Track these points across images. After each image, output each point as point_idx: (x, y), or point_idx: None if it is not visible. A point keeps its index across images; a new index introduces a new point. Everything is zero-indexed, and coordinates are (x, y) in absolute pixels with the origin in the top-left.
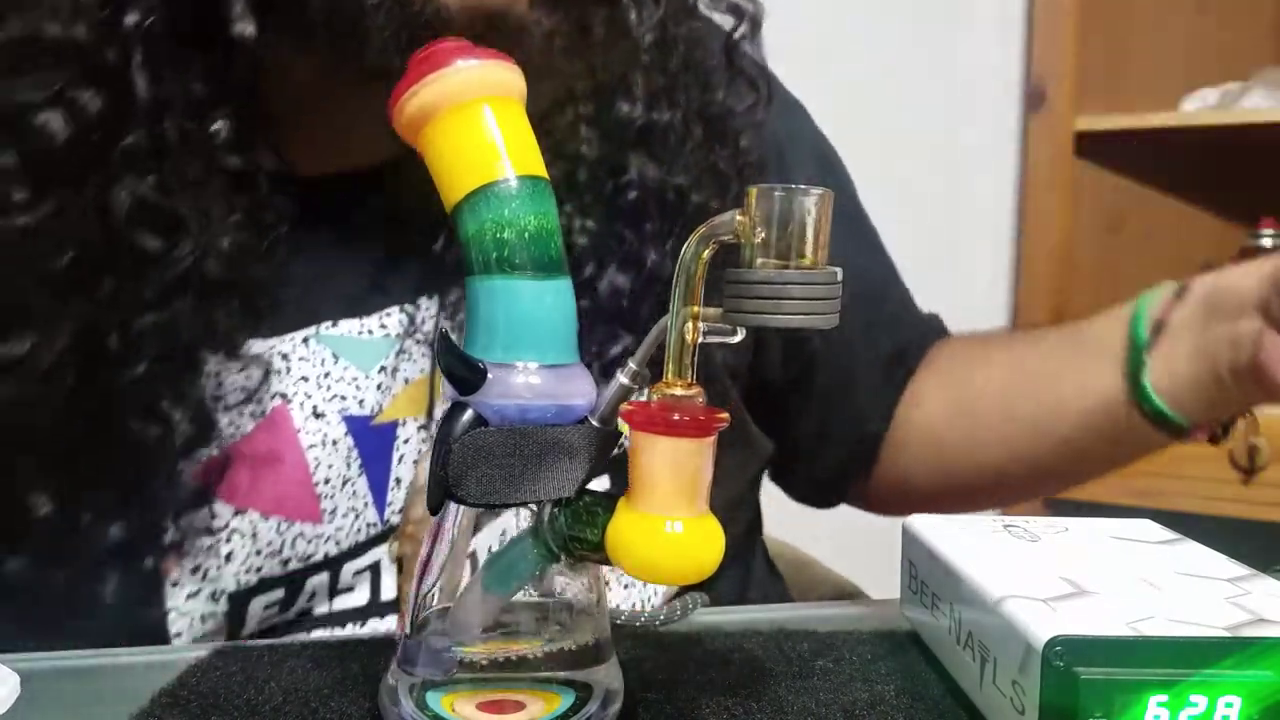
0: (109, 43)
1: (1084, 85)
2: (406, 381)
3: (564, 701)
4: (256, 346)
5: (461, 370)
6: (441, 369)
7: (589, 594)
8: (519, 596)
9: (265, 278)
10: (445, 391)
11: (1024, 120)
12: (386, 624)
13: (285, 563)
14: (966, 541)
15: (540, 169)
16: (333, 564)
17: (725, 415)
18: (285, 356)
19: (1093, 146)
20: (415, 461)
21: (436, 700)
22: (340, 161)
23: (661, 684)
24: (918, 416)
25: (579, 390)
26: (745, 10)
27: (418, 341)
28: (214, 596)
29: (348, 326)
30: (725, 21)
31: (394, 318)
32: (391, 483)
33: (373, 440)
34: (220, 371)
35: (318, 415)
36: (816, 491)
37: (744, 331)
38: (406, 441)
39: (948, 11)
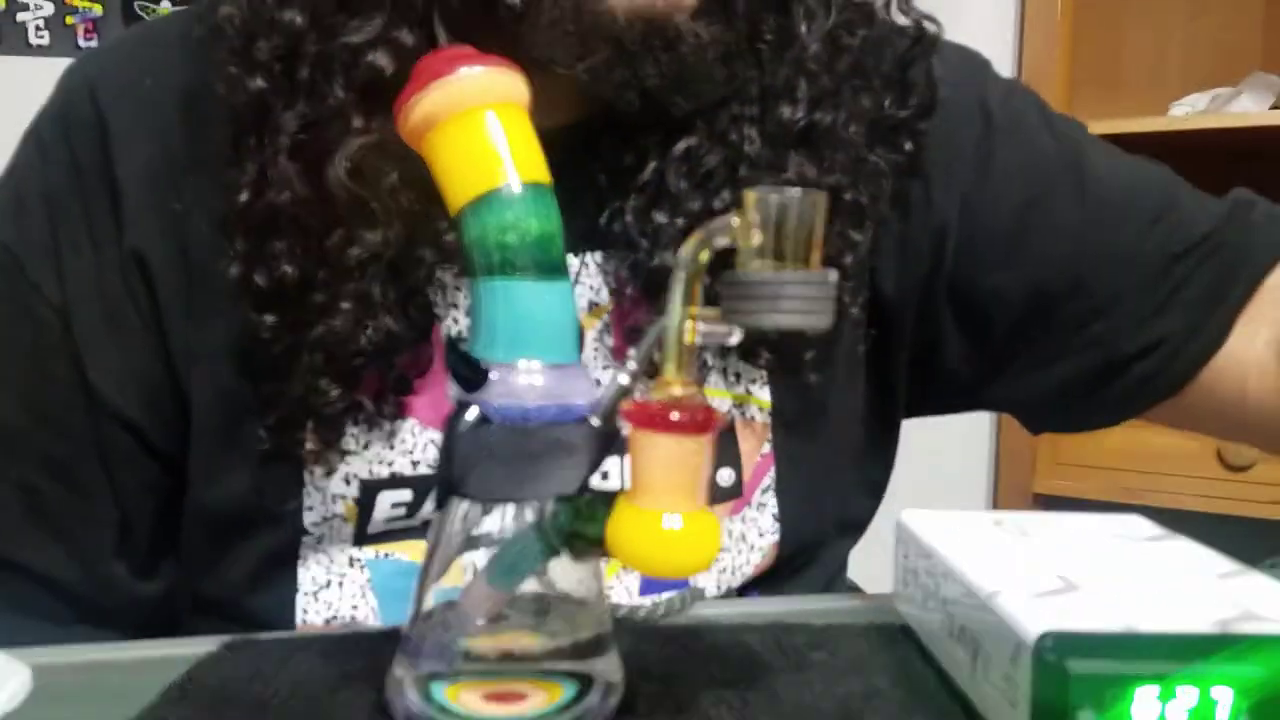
0: None
1: (1075, 90)
2: None
3: (566, 692)
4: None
5: (465, 370)
6: (447, 368)
7: (590, 588)
8: (521, 590)
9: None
10: (450, 391)
11: None
12: None
13: (415, 464)
14: (959, 537)
15: (543, 174)
16: None
17: (724, 414)
18: (445, 284)
19: None
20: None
21: (441, 691)
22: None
23: (661, 676)
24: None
25: (580, 390)
26: (927, 31)
27: (575, 287)
28: (347, 479)
29: None
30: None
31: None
32: None
33: None
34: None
35: (462, 339)
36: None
37: (741, 332)
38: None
39: (940, 16)
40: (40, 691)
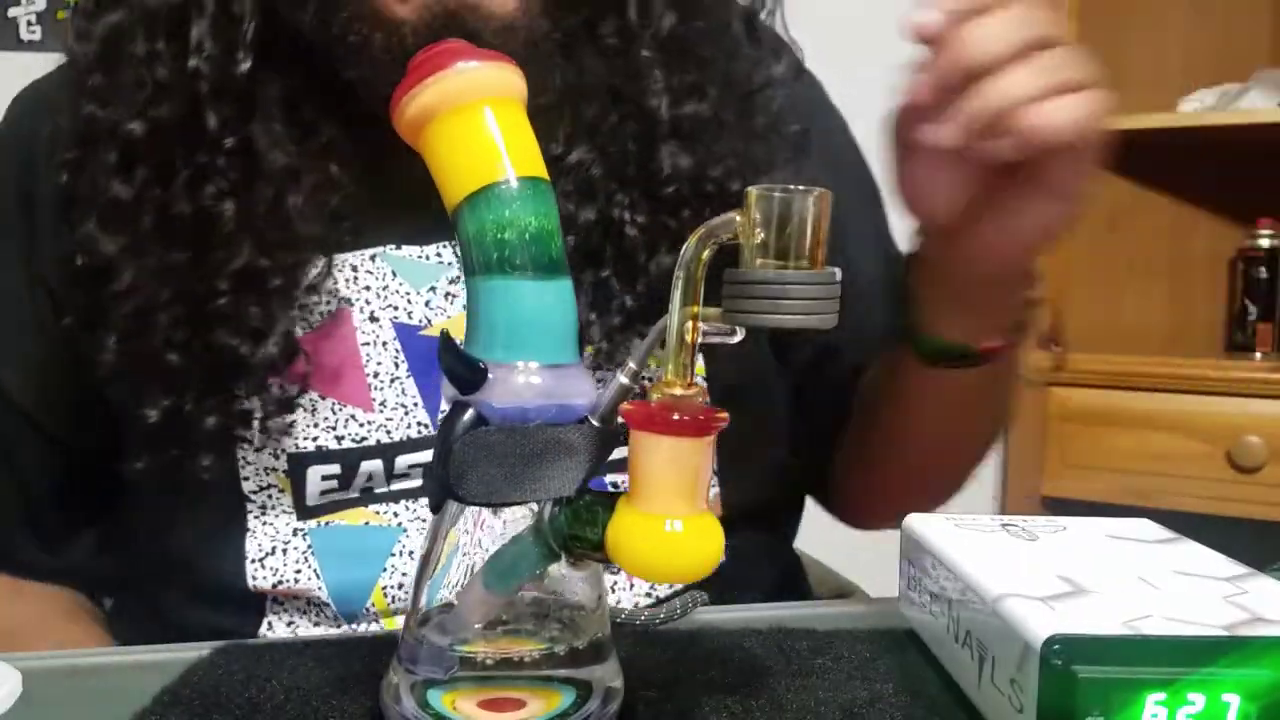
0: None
1: None
2: (463, 309)
3: (564, 699)
4: (335, 259)
5: (463, 370)
6: (442, 369)
7: (589, 593)
8: (520, 594)
9: (342, 206)
10: (446, 391)
11: None
12: None
13: (339, 439)
14: (965, 541)
15: (541, 170)
16: (385, 451)
17: (725, 415)
18: (354, 268)
19: None
20: None
21: (438, 698)
22: None
23: (661, 682)
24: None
25: (579, 390)
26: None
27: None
28: (275, 454)
29: (408, 251)
30: None
31: (449, 250)
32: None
33: (420, 348)
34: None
35: (373, 319)
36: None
37: (743, 331)
38: None
39: None
40: (32, 696)
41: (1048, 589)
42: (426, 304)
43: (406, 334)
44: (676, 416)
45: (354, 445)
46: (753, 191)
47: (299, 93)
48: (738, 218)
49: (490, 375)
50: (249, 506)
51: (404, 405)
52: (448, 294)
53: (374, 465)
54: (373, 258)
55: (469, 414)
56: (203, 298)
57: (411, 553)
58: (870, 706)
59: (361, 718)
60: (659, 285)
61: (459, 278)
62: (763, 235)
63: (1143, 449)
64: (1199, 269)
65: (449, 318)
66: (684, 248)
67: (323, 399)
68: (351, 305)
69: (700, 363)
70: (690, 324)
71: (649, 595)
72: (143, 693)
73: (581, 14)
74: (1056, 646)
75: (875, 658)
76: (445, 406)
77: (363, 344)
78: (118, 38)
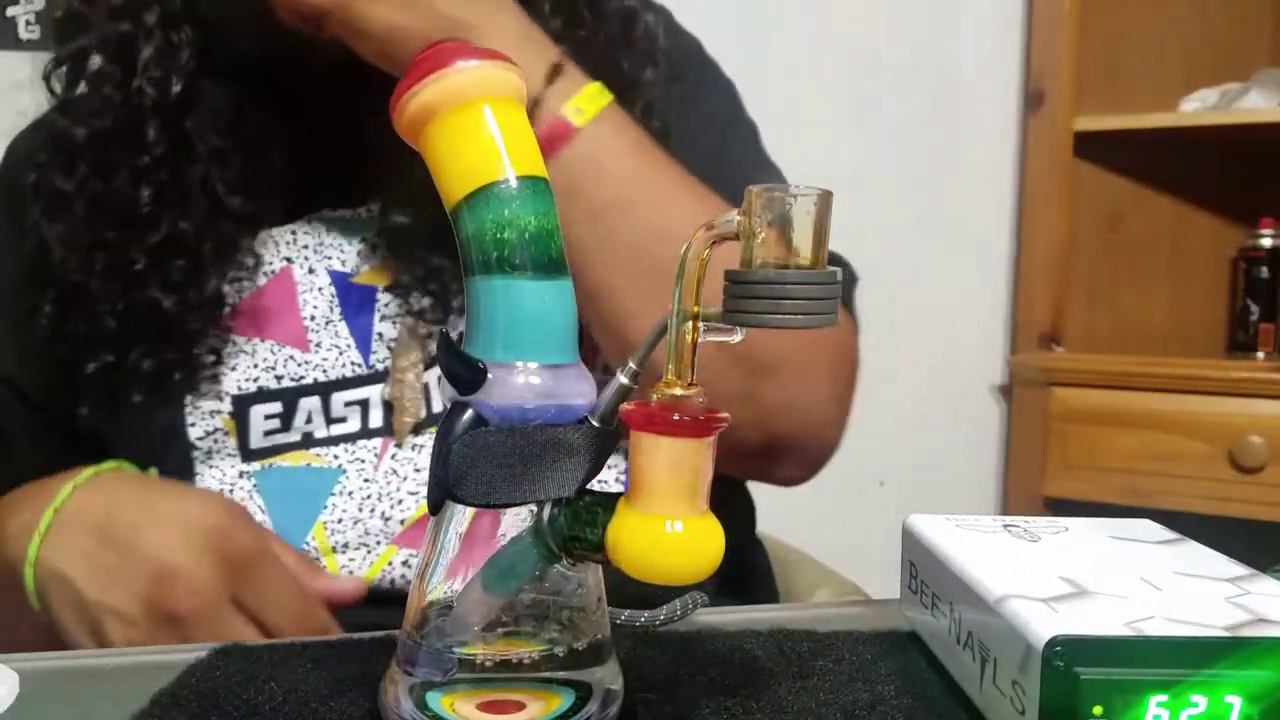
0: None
1: (1083, 85)
2: (384, 258)
3: (564, 702)
4: (276, 231)
5: (462, 370)
6: (441, 369)
7: (589, 594)
8: (519, 596)
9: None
10: (445, 391)
11: (1023, 120)
12: (373, 444)
13: (279, 379)
14: (966, 541)
15: (540, 169)
16: (322, 389)
17: (725, 415)
18: (294, 233)
19: (1091, 146)
20: (393, 320)
21: (436, 700)
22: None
23: (661, 684)
24: None
25: (579, 390)
26: None
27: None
28: (219, 396)
29: (341, 212)
30: None
31: (375, 209)
32: (374, 335)
33: (353, 294)
34: (248, 253)
35: (310, 271)
36: None
37: (743, 331)
38: (386, 305)
39: (947, 12)
40: (29, 697)
41: (1050, 590)
42: (357, 254)
43: (340, 280)
44: (676, 417)
45: (292, 384)
46: (753, 191)
47: (235, 89)
48: (738, 217)
49: (489, 375)
50: (195, 454)
51: (338, 346)
52: (374, 245)
53: (312, 403)
54: (309, 221)
55: (468, 414)
56: (129, 264)
57: (351, 492)
58: (871, 708)
59: (360, 719)
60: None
61: (382, 232)
62: (763, 235)
63: (1144, 449)
64: (1200, 269)
65: (373, 266)
66: (684, 247)
67: (262, 341)
68: (293, 262)
69: None
70: (690, 324)
71: None
72: (141, 694)
73: None
74: (1059, 648)
75: (876, 659)
76: (445, 406)
77: (301, 293)
78: (80, 57)
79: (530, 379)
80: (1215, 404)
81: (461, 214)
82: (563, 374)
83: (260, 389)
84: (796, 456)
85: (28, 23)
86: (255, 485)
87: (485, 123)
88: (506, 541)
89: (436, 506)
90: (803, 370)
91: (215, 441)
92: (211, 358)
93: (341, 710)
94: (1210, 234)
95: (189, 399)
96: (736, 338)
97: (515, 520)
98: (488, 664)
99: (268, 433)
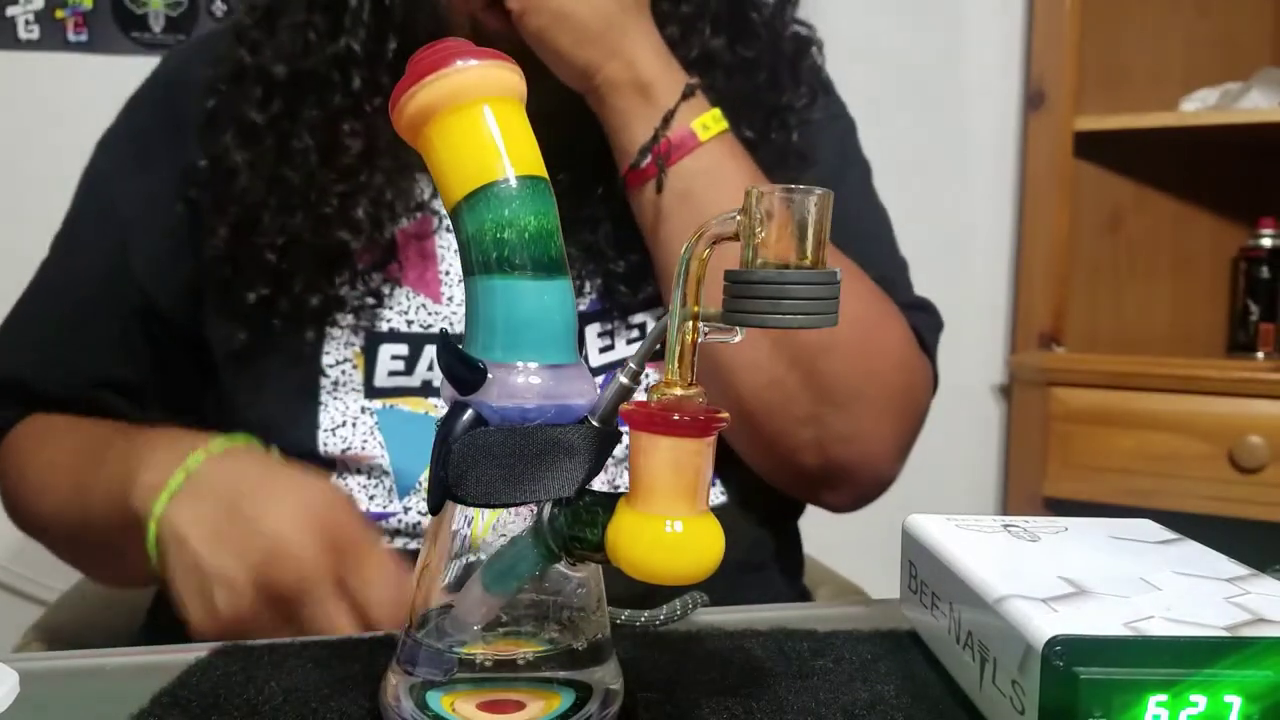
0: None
1: (1084, 85)
2: None
3: (564, 701)
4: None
5: (462, 370)
6: (441, 369)
7: (589, 594)
8: (519, 596)
9: None
10: (445, 391)
11: (1024, 120)
12: None
13: (409, 323)
14: (966, 541)
15: (540, 169)
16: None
17: (725, 415)
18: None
19: (1092, 146)
20: None
21: (436, 700)
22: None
23: (661, 684)
24: None
25: (579, 390)
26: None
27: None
28: (355, 330)
29: None
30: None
31: None
32: None
33: None
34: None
35: (449, 229)
36: None
37: (743, 331)
38: None
39: (948, 11)
40: (30, 697)
41: (1049, 590)
42: None
43: None
44: (677, 417)
45: (421, 330)
46: (753, 191)
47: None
48: (738, 216)
49: (489, 375)
50: (323, 381)
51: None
52: None
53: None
54: None
55: (468, 414)
56: (314, 204)
57: None
58: (871, 708)
59: (360, 719)
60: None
61: None
62: (763, 235)
63: (1144, 449)
64: (1201, 269)
65: None
66: (684, 247)
67: (399, 286)
68: (436, 214)
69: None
70: (690, 324)
71: None
72: (141, 694)
73: None
74: (1058, 648)
75: (876, 659)
76: (444, 407)
77: (439, 246)
78: (282, 6)
79: (530, 379)
80: (1215, 404)
81: (461, 214)
82: (563, 374)
83: (391, 330)
84: (850, 487)
85: (27, 22)
86: (377, 422)
87: (485, 122)
88: (506, 541)
89: (436, 506)
90: (873, 406)
91: (343, 373)
92: (372, 300)
93: (341, 710)
94: (1210, 234)
95: (329, 328)
96: (736, 338)
97: (515, 520)
98: (488, 664)
99: (392, 373)
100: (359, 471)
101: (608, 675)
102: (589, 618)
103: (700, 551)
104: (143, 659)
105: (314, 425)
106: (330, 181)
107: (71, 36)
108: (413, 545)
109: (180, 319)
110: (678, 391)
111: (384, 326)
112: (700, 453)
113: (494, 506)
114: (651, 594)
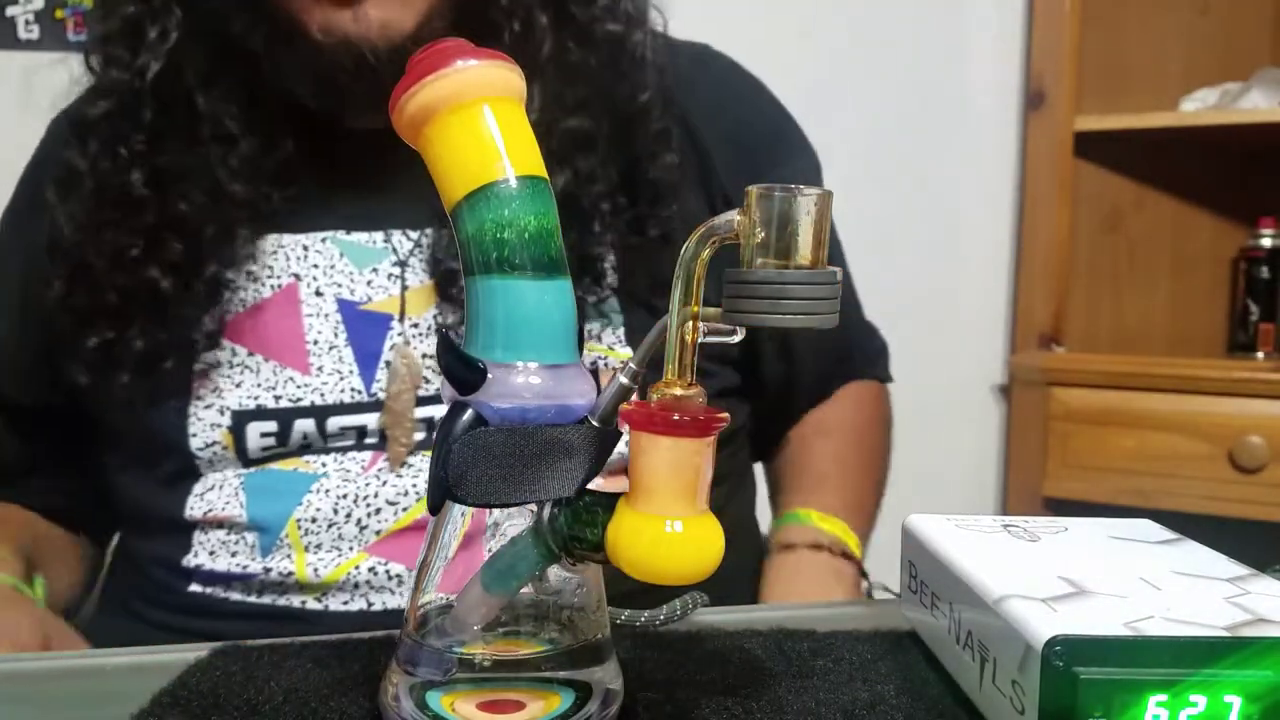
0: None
1: (1083, 85)
2: (405, 287)
3: (564, 701)
4: (287, 239)
5: (462, 370)
6: (441, 369)
7: (589, 594)
8: (519, 595)
9: (288, 195)
10: (445, 391)
11: (1024, 120)
12: (363, 456)
13: (277, 398)
14: (966, 541)
15: (540, 169)
16: (319, 413)
17: (725, 415)
18: (305, 248)
19: (1092, 146)
20: (392, 347)
21: (436, 700)
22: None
23: (661, 683)
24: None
25: (579, 390)
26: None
27: (414, 261)
28: (220, 410)
29: (357, 236)
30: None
31: (394, 238)
32: (381, 364)
33: (359, 322)
34: (254, 254)
35: (319, 294)
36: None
37: (744, 331)
38: (398, 334)
39: (948, 11)
40: (30, 697)
41: (1049, 590)
42: (368, 283)
43: (348, 309)
44: (677, 417)
45: (290, 405)
46: (753, 191)
47: (251, 76)
48: (738, 217)
49: (489, 375)
50: (198, 463)
51: (340, 371)
52: (390, 274)
53: (307, 424)
54: (323, 240)
55: (468, 414)
56: (128, 246)
57: (328, 491)
58: (871, 708)
59: (360, 719)
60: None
61: (402, 263)
62: (763, 235)
63: (1144, 449)
64: (1200, 269)
65: (389, 296)
66: (684, 247)
67: (265, 361)
68: (300, 280)
69: (626, 350)
70: (690, 324)
71: None
72: (141, 694)
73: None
74: (1058, 648)
75: (876, 659)
76: (444, 407)
77: (306, 315)
78: (101, 43)
79: (530, 379)
80: (1215, 404)
81: (461, 214)
82: (563, 374)
83: (259, 407)
84: None
85: (26, 22)
86: (242, 484)
87: (485, 123)
88: (506, 541)
89: (436, 507)
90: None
91: (215, 453)
92: (208, 347)
93: (341, 710)
94: (1210, 234)
95: (192, 411)
96: (736, 338)
97: (515, 520)
98: (487, 664)
99: (265, 448)
100: (220, 527)
101: (608, 675)
102: (589, 618)
103: (700, 551)
104: (143, 659)
105: (185, 494)
106: (134, 220)
107: (71, 36)
108: (281, 601)
109: (42, 410)
110: (678, 391)
111: (250, 404)
112: (700, 453)
113: (494, 506)
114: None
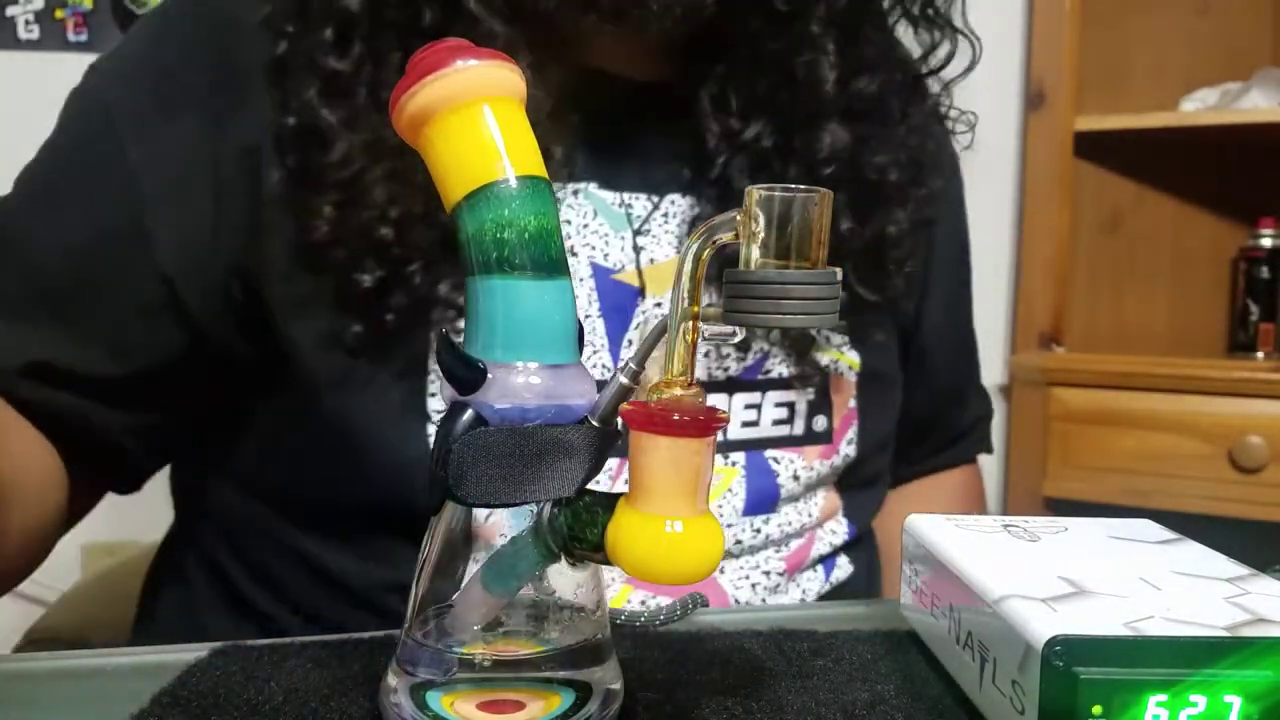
0: None
1: (1084, 85)
2: (651, 261)
3: (564, 701)
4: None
5: (462, 370)
6: (441, 369)
7: (589, 594)
8: (519, 596)
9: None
10: (445, 392)
11: (1024, 120)
12: (611, 463)
13: None
14: (966, 541)
15: (540, 169)
16: None
17: (725, 415)
18: (558, 200)
19: (1092, 146)
20: (636, 326)
21: (436, 700)
22: (639, 70)
23: (661, 684)
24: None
25: (579, 390)
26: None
27: (665, 228)
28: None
29: (607, 195)
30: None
31: (641, 201)
32: (625, 340)
33: (612, 292)
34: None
35: (572, 253)
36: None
37: (744, 331)
38: (644, 311)
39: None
40: (29, 697)
41: (1049, 590)
42: (621, 249)
43: (601, 275)
44: (677, 417)
45: None
46: (753, 191)
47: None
48: (738, 217)
49: (489, 375)
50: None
51: (592, 344)
52: (635, 245)
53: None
54: (575, 193)
55: (468, 414)
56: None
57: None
58: (871, 708)
59: (360, 719)
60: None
61: (645, 230)
62: (763, 235)
63: (1144, 449)
64: (1200, 269)
65: (639, 268)
66: (684, 247)
67: None
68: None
69: (855, 355)
70: (690, 324)
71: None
72: (141, 694)
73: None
74: (1058, 648)
75: (876, 659)
76: (444, 406)
77: None
78: None
79: (530, 379)
80: (1215, 404)
81: (461, 214)
82: (563, 374)
83: None
84: None
85: (27, 22)
86: None
87: (485, 122)
88: (506, 541)
89: (436, 507)
90: None
91: None
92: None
93: (341, 710)
94: (1210, 234)
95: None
96: (736, 338)
97: (515, 520)
98: (487, 664)
99: None
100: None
101: (608, 675)
102: (589, 618)
103: (700, 551)
104: (143, 659)
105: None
106: None
107: (71, 36)
108: None
109: (210, 326)
110: (678, 391)
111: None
112: (700, 452)
113: (494, 506)
114: None
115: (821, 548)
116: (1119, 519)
